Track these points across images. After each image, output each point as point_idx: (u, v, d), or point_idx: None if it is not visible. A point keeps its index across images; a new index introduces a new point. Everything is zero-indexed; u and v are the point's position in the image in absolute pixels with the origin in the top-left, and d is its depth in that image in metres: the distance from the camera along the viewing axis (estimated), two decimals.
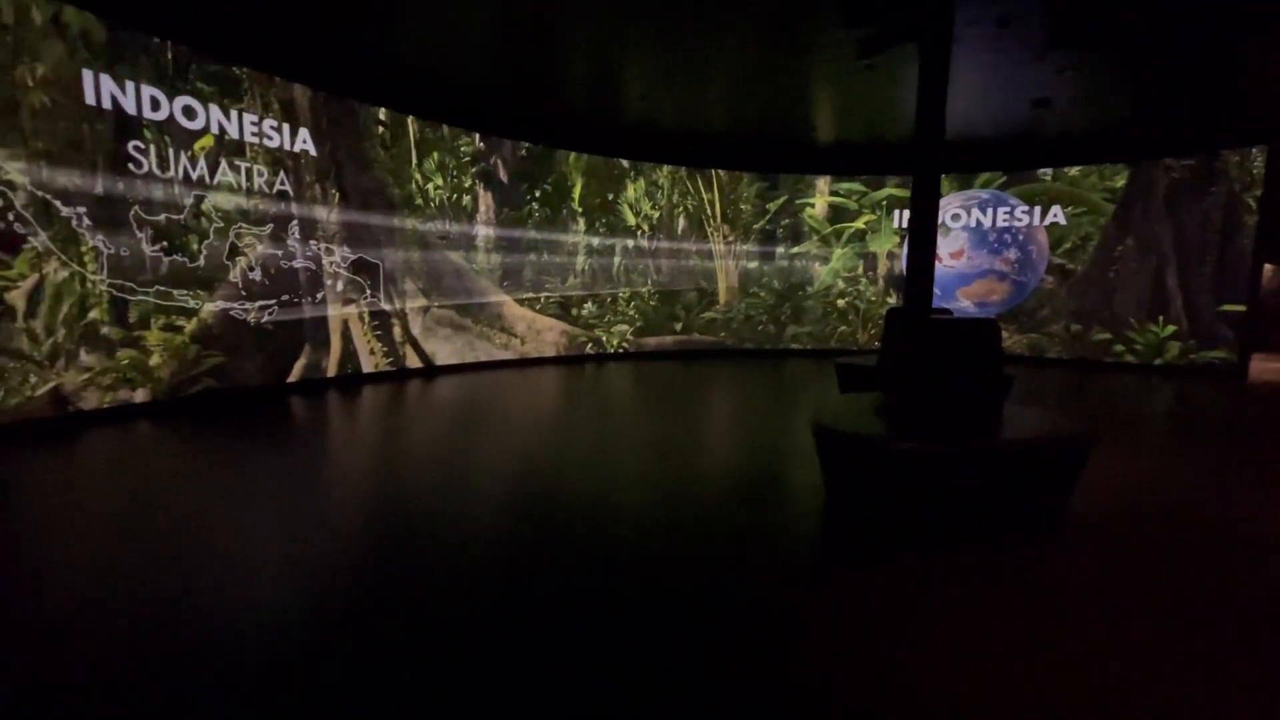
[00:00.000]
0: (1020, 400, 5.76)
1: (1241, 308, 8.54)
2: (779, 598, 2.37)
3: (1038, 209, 9.84)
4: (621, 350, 9.89)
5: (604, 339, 9.73)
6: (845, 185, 10.70)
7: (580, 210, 9.26)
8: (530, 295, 8.87)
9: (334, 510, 3.24)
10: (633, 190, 9.72)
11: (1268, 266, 10.21)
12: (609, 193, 9.52)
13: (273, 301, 6.16)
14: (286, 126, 6.18)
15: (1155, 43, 5.84)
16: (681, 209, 10.14)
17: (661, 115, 8.57)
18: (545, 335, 9.11)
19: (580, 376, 8.11)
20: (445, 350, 7.96)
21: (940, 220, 10.35)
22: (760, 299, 10.75)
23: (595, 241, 9.46)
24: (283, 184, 6.18)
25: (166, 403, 5.36)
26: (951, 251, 10.45)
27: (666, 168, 9.91)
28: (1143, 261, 9.18)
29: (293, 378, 6.41)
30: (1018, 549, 2.80)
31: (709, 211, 10.32)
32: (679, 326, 10.34)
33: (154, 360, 5.29)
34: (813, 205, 10.75)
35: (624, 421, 5.61)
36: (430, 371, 7.74)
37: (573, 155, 9.09)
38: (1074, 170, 9.55)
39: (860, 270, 10.81)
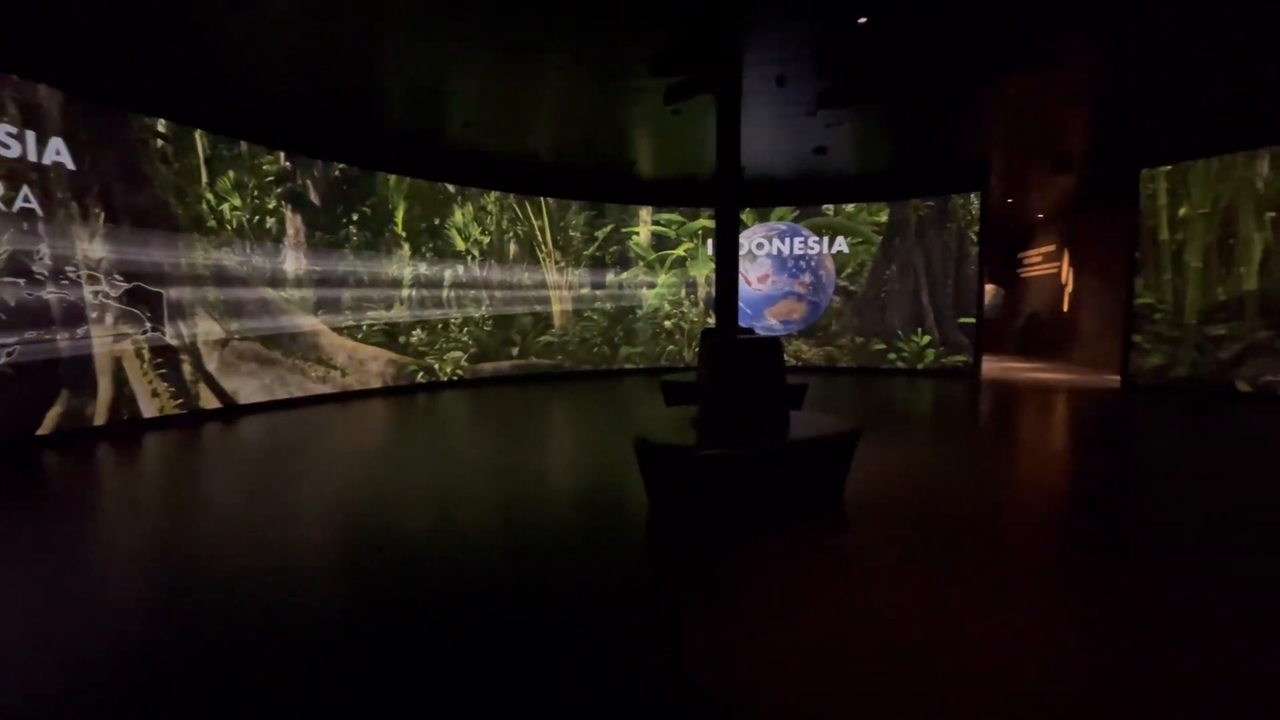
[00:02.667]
0: (813, 405, 6.65)
1: (972, 320, 10.66)
2: (606, 604, 2.56)
3: (825, 239, 11.44)
4: (456, 378, 9.63)
5: (436, 367, 9.41)
6: (665, 216, 11.54)
7: (404, 234, 8.93)
8: (351, 323, 8.33)
9: (103, 590, 2.83)
10: (460, 215, 9.59)
11: (988, 286, 12.83)
12: (435, 217, 9.31)
13: (13, 340, 5.15)
14: (31, 134, 5.25)
15: (895, 111, 7.22)
16: (512, 235, 10.21)
17: (487, 142, 8.63)
18: (369, 365, 8.60)
19: (411, 407, 7.77)
20: (250, 387, 7.17)
21: (748, 249, 11.59)
22: (594, 322, 11.14)
23: (423, 267, 9.17)
24: (26, 200, 5.22)
25: None
26: (758, 276, 11.72)
27: (494, 193, 9.94)
28: (904, 283, 11.09)
29: (44, 430, 5.38)
30: (803, 532, 3.30)
31: (540, 238, 10.50)
32: (515, 351, 10.34)
33: None
34: (637, 233, 11.44)
35: (457, 451, 5.51)
36: (232, 412, 6.92)
37: (394, 178, 8.77)
38: (850, 207, 11.28)
39: (683, 294, 11.70)
